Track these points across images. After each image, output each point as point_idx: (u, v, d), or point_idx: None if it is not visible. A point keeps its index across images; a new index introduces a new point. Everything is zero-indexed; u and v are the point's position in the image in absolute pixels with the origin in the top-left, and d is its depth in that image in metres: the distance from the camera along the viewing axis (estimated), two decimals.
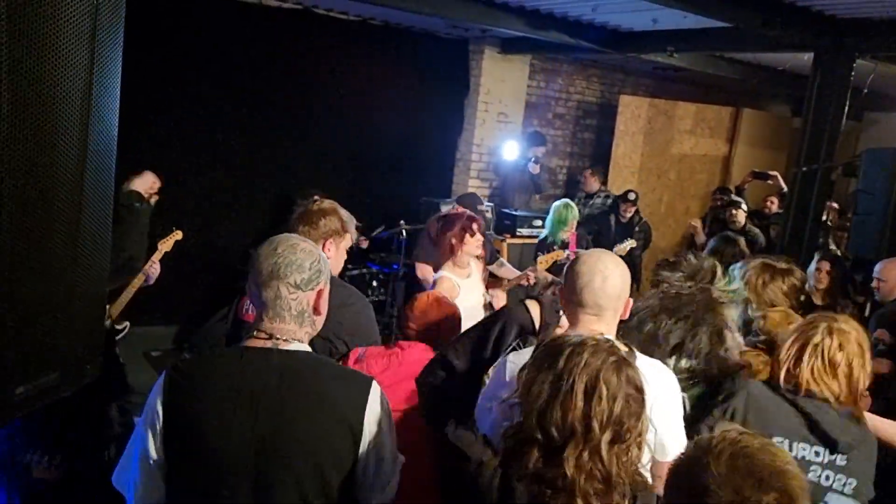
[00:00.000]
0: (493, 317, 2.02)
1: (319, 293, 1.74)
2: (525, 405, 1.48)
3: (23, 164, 1.22)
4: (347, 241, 2.74)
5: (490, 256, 5.19)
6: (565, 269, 2.03)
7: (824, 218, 5.33)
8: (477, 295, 3.98)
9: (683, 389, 2.16)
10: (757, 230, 6.50)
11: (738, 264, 3.38)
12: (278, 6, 6.22)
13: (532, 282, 4.86)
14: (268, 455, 1.61)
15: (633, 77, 9.14)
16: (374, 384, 1.73)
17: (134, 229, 4.40)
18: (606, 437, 1.41)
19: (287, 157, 6.57)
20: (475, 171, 7.89)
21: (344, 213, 2.78)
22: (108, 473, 2.58)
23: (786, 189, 6.28)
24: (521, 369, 1.54)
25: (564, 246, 5.74)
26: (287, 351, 1.67)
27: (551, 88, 8.48)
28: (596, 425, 1.41)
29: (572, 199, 7.62)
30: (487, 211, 6.78)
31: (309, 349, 1.73)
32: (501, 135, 7.74)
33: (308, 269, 1.69)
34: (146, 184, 4.67)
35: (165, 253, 4.28)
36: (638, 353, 1.88)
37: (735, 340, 2.42)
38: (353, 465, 1.67)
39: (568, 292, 1.96)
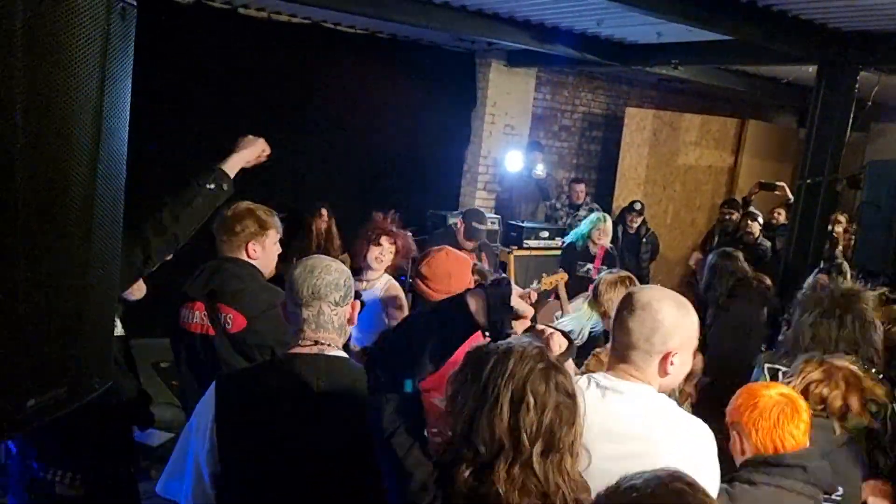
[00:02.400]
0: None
1: (353, 306, 1.88)
2: (451, 419, 1.41)
3: (36, 178, 1.25)
4: (273, 236, 2.72)
5: (494, 270, 5.21)
6: (621, 301, 1.78)
7: (830, 229, 5.33)
8: None
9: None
10: (768, 243, 6.51)
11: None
12: (287, 21, 6.29)
13: (534, 300, 4.85)
14: (319, 457, 1.70)
15: (638, 89, 9.18)
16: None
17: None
18: (538, 448, 1.34)
19: (295, 171, 6.62)
20: (482, 182, 7.93)
21: (262, 209, 2.74)
22: (126, 490, 2.62)
23: (792, 200, 6.29)
24: (448, 380, 1.45)
25: (590, 259, 5.75)
26: (333, 357, 1.79)
27: (557, 101, 8.52)
28: (525, 438, 1.33)
29: (560, 209, 7.70)
30: (493, 224, 6.80)
31: (347, 356, 1.85)
32: (508, 147, 7.78)
33: (343, 287, 1.83)
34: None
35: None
36: (679, 409, 1.72)
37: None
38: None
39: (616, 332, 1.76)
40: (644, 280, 6.95)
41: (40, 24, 1.16)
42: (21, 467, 2.44)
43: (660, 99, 9.30)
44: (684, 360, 1.72)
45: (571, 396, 1.40)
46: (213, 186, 2.37)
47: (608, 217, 5.90)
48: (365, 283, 3.71)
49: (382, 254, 3.72)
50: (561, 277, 5.17)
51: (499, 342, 1.46)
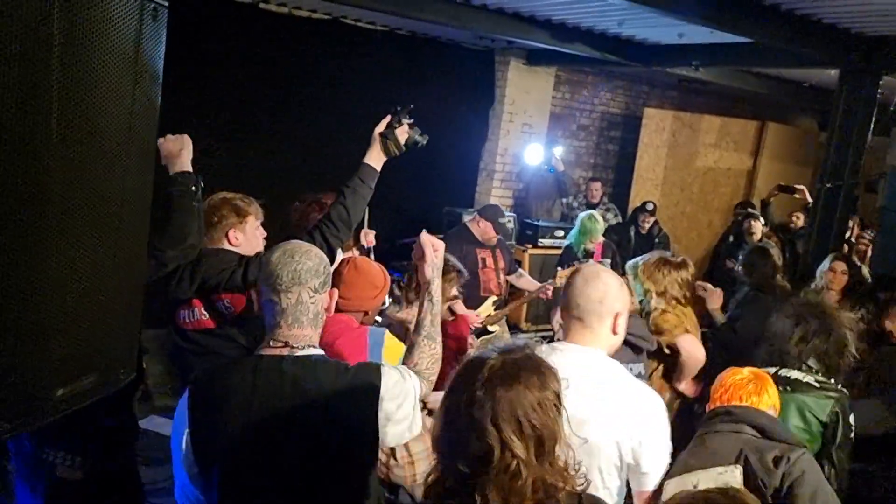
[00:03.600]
0: None
1: (331, 294, 1.82)
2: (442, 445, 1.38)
3: (69, 175, 1.29)
4: (252, 221, 2.74)
5: (509, 267, 5.22)
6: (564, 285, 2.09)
7: (848, 235, 5.30)
8: None
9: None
10: (773, 244, 6.48)
11: (636, 260, 3.57)
12: (308, 16, 6.32)
13: (550, 295, 4.89)
14: (286, 462, 1.67)
15: (658, 89, 9.14)
16: (385, 370, 1.77)
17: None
18: (531, 454, 1.32)
19: (311, 165, 6.66)
20: (498, 180, 7.93)
21: (238, 197, 2.77)
22: (126, 475, 2.65)
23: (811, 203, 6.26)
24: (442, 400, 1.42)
25: (589, 256, 5.76)
26: (299, 357, 1.72)
27: (576, 100, 8.50)
28: (519, 450, 1.30)
29: (577, 208, 7.68)
30: (508, 221, 6.81)
31: (321, 352, 1.79)
32: (525, 145, 7.78)
33: (323, 273, 1.77)
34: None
35: None
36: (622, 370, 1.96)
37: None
38: (368, 465, 1.75)
39: (563, 302, 2.03)
40: None
41: (76, 29, 1.20)
42: (27, 448, 2.47)
43: (679, 100, 9.25)
44: (623, 323, 2.02)
45: (557, 395, 1.39)
46: (177, 189, 2.41)
47: (594, 214, 5.85)
48: None
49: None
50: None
51: (483, 351, 1.44)
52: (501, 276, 5.06)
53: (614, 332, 1.99)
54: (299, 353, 1.72)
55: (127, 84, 1.36)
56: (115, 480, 2.56)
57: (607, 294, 1.96)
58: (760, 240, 6.40)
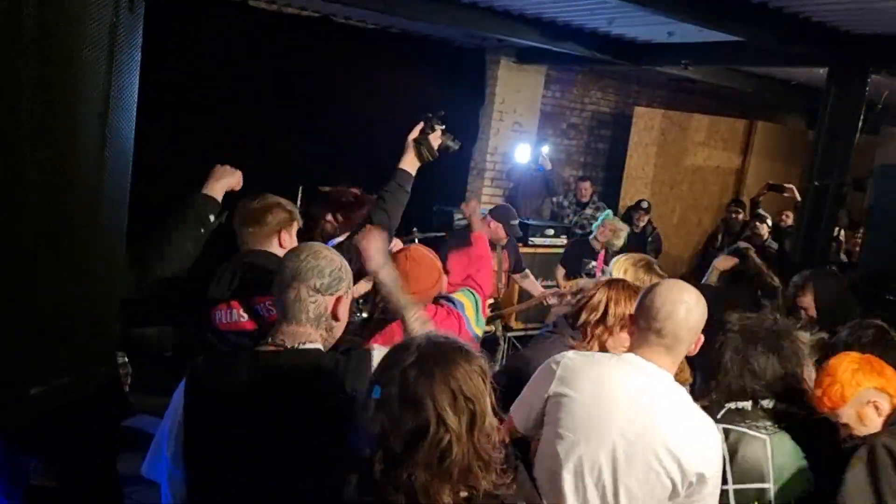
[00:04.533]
0: None
1: (339, 300, 1.79)
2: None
3: (44, 174, 1.27)
4: (296, 226, 2.78)
5: (515, 265, 5.19)
6: (641, 293, 1.96)
7: (836, 233, 5.32)
8: None
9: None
10: (776, 245, 6.50)
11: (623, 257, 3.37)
12: (297, 14, 6.29)
13: (551, 302, 4.90)
14: (280, 457, 1.67)
15: (647, 88, 9.15)
16: (375, 353, 1.74)
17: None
18: (464, 428, 1.32)
19: (301, 163, 6.62)
20: (489, 179, 7.93)
21: (285, 201, 2.80)
22: (104, 484, 2.62)
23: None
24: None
25: (594, 255, 5.75)
26: (300, 350, 1.72)
27: (566, 98, 8.50)
28: (453, 423, 1.31)
29: (567, 207, 7.70)
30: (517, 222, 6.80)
31: (320, 348, 1.77)
32: (515, 144, 7.77)
33: (328, 276, 1.75)
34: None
35: None
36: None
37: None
38: None
39: (644, 319, 1.89)
40: None
41: (49, 15, 1.17)
42: (1, 456, 2.43)
43: (669, 99, 9.27)
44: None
45: (483, 371, 1.39)
46: (214, 220, 2.44)
47: (610, 215, 5.91)
48: None
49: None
50: (580, 283, 5.19)
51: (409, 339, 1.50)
52: (503, 277, 5.03)
53: (690, 354, 1.95)
54: (300, 347, 1.73)
55: (102, 76, 1.34)
56: (92, 488, 2.53)
57: (700, 321, 1.88)
58: (766, 240, 6.41)
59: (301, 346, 1.73)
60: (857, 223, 6.74)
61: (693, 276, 8.01)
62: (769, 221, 6.66)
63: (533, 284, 5.31)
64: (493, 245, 4.96)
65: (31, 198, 1.26)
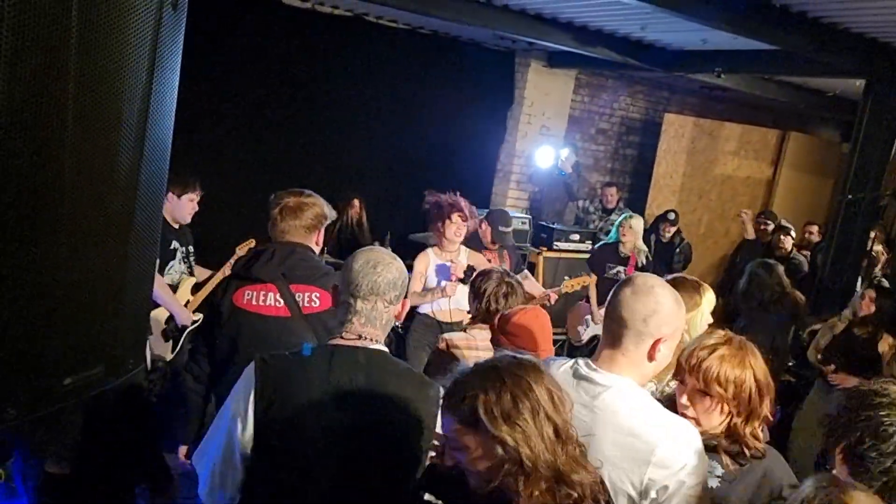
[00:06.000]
0: None
1: (403, 303, 1.91)
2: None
3: (83, 163, 1.28)
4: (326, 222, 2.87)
5: (516, 266, 5.18)
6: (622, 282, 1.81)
7: (869, 247, 5.23)
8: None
9: None
10: (802, 258, 6.42)
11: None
12: (330, 12, 6.32)
13: (553, 302, 4.88)
14: (352, 448, 1.73)
15: (678, 95, 9.07)
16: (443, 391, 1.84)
17: None
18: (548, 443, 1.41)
19: (330, 161, 6.66)
20: (514, 182, 7.90)
21: (320, 198, 2.87)
22: (113, 469, 2.66)
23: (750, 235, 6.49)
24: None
25: (622, 262, 5.71)
26: (373, 350, 1.80)
27: (595, 104, 8.45)
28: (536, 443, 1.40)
29: (592, 212, 7.65)
30: (524, 224, 6.78)
31: (388, 351, 1.86)
32: (542, 147, 7.74)
33: (399, 286, 1.86)
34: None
35: None
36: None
37: None
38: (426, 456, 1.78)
39: (605, 312, 1.81)
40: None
41: (95, 15, 1.19)
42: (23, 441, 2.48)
43: (700, 106, 9.17)
44: (669, 352, 1.75)
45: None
46: None
47: (635, 216, 5.85)
48: (448, 255, 4.46)
49: (459, 228, 4.39)
50: (585, 280, 5.15)
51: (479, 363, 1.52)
52: None
53: (651, 360, 1.72)
54: (371, 346, 1.81)
55: (144, 73, 1.35)
56: (104, 474, 2.57)
57: (657, 312, 1.68)
58: (790, 252, 6.34)
59: (376, 346, 1.82)
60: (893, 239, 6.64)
61: (720, 287, 7.95)
62: (793, 234, 6.60)
63: (534, 285, 5.29)
64: (489, 247, 4.99)
65: (69, 191, 1.27)
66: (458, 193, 4.68)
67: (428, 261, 4.40)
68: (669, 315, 1.71)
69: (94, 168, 1.31)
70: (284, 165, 6.38)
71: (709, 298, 2.72)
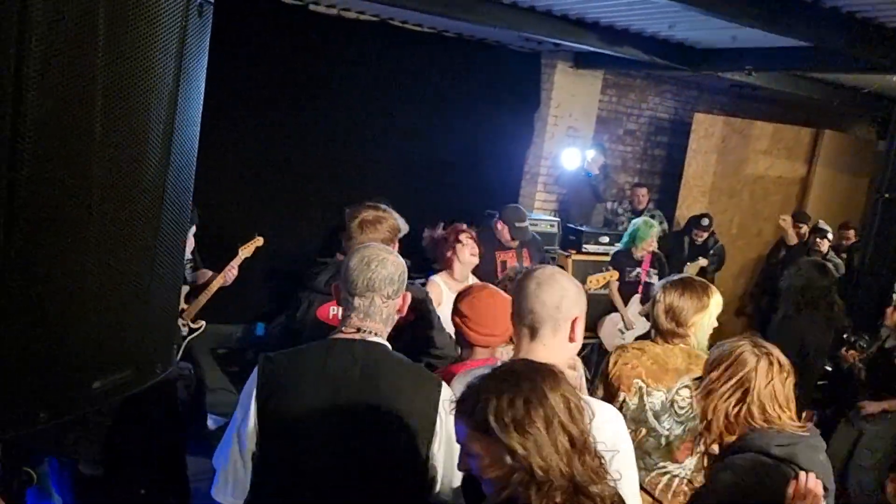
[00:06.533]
0: None
1: (404, 297, 1.95)
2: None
3: (111, 168, 1.30)
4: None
5: (540, 262, 5.12)
6: (523, 280, 1.88)
7: None
8: None
9: None
10: (839, 260, 6.32)
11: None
12: (356, 18, 6.36)
13: None
14: (348, 438, 1.75)
15: (707, 94, 8.95)
16: (445, 386, 1.87)
17: None
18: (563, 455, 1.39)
19: (357, 165, 6.70)
20: (542, 184, 7.86)
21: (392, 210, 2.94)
22: (144, 468, 2.71)
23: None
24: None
25: (637, 263, 5.67)
26: (370, 342, 1.83)
27: (623, 104, 8.37)
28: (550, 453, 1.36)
29: (622, 214, 7.57)
30: (553, 227, 6.73)
31: (388, 345, 1.88)
32: (570, 149, 7.69)
33: (397, 281, 1.89)
34: None
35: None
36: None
37: None
38: (425, 459, 1.79)
39: (513, 309, 1.88)
40: None
41: (121, 21, 1.20)
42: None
43: (730, 105, 9.04)
44: (583, 329, 1.87)
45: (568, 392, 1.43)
46: None
47: (651, 220, 5.77)
48: (461, 285, 3.79)
49: (473, 247, 3.96)
50: (609, 276, 5.09)
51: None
52: None
53: (571, 340, 1.84)
54: (370, 338, 1.84)
55: (170, 81, 1.36)
56: (133, 475, 2.61)
57: (564, 298, 1.81)
58: (826, 254, 6.25)
59: (374, 338, 1.85)
60: None
61: (755, 288, 7.83)
62: (829, 236, 6.49)
63: None
64: (506, 246, 4.88)
65: (97, 198, 1.29)
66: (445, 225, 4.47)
67: (440, 291, 3.78)
68: (577, 296, 1.84)
69: (121, 175, 1.32)
70: (309, 170, 6.43)
71: (716, 301, 2.69)
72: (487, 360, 2.30)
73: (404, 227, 2.89)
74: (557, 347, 1.81)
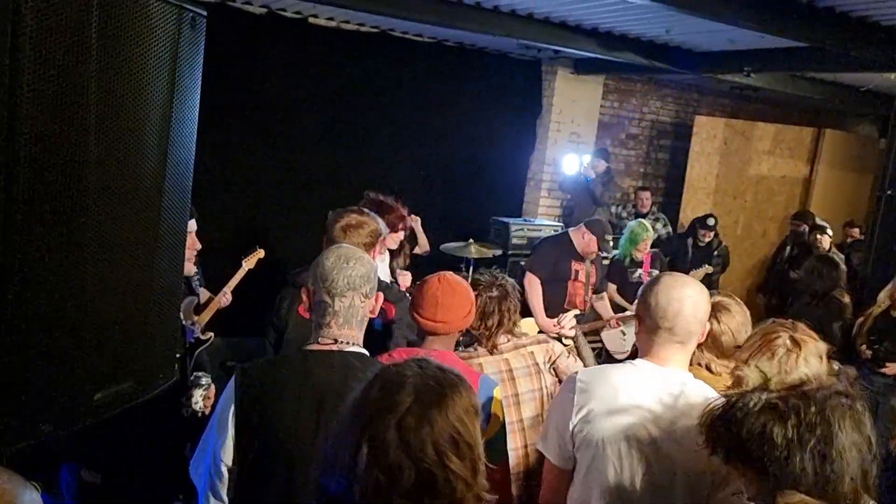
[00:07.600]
0: None
1: (377, 297, 1.91)
2: None
3: (107, 183, 1.32)
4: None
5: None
6: (642, 291, 1.90)
7: None
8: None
9: None
10: (841, 256, 6.31)
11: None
12: (356, 29, 6.40)
13: (617, 327, 4.84)
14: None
15: (709, 97, 8.96)
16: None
17: None
18: (469, 473, 1.21)
19: (360, 175, 6.72)
20: (546, 190, 7.88)
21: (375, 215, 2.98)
22: (145, 478, 2.72)
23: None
24: None
25: (638, 265, 5.67)
26: (348, 352, 1.79)
27: (625, 108, 8.39)
28: (462, 471, 1.21)
29: (626, 217, 7.56)
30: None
31: (365, 352, 1.85)
32: (573, 154, 7.70)
33: (373, 279, 1.86)
34: None
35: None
36: None
37: None
38: None
39: (652, 318, 1.84)
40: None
41: (113, 33, 1.22)
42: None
43: (731, 107, 9.05)
44: None
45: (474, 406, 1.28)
46: None
47: (644, 223, 5.76)
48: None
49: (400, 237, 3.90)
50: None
51: (391, 368, 1.35)
52: (590, 291, 4.97)
53: (700, 341, 1.95)
54: (347, 349, 1.79)
55: (163, 90, 1.39)
56: (138, 483, 2.63)
57: (706, 311, 1.89)
58: (829, 251, 6.27)
59: (351, 348, 1.81)
60: None
61: (761, 289, 7.80)
62: (830, 232, 6.51)
63: (605, 308, 5.27)
64: (581, 258, 4.86)
65: (94, 209, 1.31)
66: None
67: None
68: (707, 306, 1.93)
69: (118, 184, 1.35)
70: (313, 181, 6.46)
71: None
72: (431, 351, 2.16)
73: (384, 230, 2.93)
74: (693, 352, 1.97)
